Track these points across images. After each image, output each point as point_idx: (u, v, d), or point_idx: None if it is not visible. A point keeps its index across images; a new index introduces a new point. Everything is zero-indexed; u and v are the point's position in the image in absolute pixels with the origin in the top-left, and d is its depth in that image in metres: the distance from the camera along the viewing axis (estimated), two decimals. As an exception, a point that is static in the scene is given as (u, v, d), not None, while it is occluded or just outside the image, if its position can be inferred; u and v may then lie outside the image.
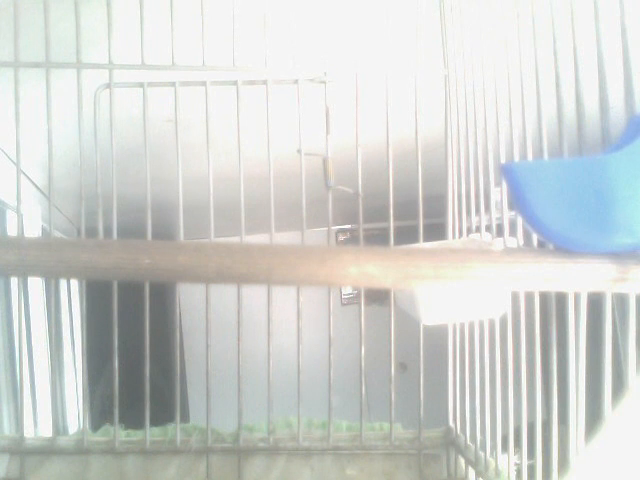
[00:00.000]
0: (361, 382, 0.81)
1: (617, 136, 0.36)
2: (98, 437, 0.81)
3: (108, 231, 0.74)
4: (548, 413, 0.52)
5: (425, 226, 0.76)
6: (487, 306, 0.56)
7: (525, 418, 0.57)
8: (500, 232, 0.59)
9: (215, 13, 0.74)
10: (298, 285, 0.65)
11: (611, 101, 0.41)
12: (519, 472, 0.59)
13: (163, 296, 2.45)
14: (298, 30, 0.83)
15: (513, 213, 0.52)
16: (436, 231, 0.76)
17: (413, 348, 0.79)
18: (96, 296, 0.88)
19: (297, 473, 0.80)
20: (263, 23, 0.73)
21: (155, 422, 0.80)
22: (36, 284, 1.59)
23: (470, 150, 0.69)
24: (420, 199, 0.77)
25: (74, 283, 2.05)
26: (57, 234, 1.83)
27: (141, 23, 0.70)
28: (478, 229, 0.68)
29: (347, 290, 3.16)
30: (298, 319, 0.78)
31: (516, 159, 0.56)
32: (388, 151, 0.77)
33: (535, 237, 0.48)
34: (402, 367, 2.08)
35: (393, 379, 0.78)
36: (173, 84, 0.76)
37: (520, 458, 0.59)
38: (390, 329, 0.78)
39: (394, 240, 0.75)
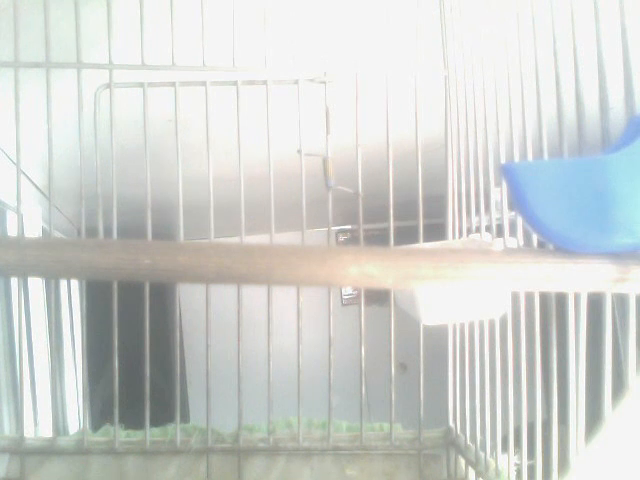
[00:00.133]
0: (361, 382, 0.81)
1: (617, 136, 0.36)
2: (98, 437, 0.81)
3: (108, 231, 0.74)
4: (548, 413, 0.52)
5: (425, 226, 0.76)
6: (487, 306, 0.56)
7: (525, 418, 0.57)
8: (500, 232, 0.59)
9: (215, 13, 0.74)
10: (298, 285, 0.65)
11: (611, 101, 0.41)
12: (519, 472, 0.59)
13: (163, 296, 2.46)
14: (298, 30, 0.83)
15: (513, 213, 0.52)
16: (436, 231, 0.76)
17: (413, 348, 0.79)
18: (96, 296, 0.88)
19: (297, 473, 0.80)
20: (263, 23, 0.73)
21: (155, 422, 0.80)
22: (36, 284, 1.59)
23: (470, 150, 0.69)
24: (420, 199, 0.77)
25: (74, 283, 2.05)
26: (57, 234, 1.83)
27: (141, 23, 0.70)
28: (478, 229, 0.68)
29: (347, 290, 3.16)
30: (298, 319, 0.78)
31: (516, 159, 0.56)
32: (388, 151, 0.77)
33: (535, 237, 0.48)
34: (402, 367, 2.08)
35: (393, 379, 0.78)
36: (173, 84, 0.76)
37: (520, 458, 0.59)
38: (390, 329, 0.78)
39: (394, 240, 0.75)
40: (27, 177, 1.33)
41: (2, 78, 0.73)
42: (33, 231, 1.54)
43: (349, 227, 3.15)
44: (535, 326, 0.53)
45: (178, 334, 0.91)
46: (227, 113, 0.76)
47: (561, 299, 0.48)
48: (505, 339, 0.60)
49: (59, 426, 1.84)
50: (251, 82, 0.77)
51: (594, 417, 0.43)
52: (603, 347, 0.44)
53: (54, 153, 0.73)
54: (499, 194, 0.59)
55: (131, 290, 0.59)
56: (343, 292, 3.16)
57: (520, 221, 0.52)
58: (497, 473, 0.66)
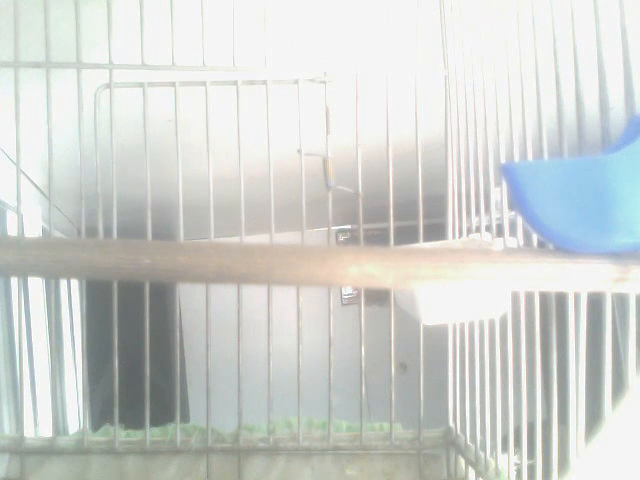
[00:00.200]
0: (361, 382, 0.81)
1: (617, 136, 0.36)
2: (98, 437, 0.81)
3: (108, 231, 0.74)
4: (548, 413, 0.52)
5: (425, 226, 0.76)
6: (487, 306, 0.56)
7: (525, 418, 0.57)
8: (500, 232, 0.59)
9: (215, 13, 0.74)
10: (298, 285, 0.65)
11: (611, 101, 0.41)
12: (519, 472, 0.59)
13: (163, 296, 2.45)
14: (298, 30, 0.83)
15: (513, 213, 0.52)
16: (436, 231, 0.76)
17: (413, 348, 0.79)
18: (96, 296, 0.88)
19: (297, 473, 0.80)
20: (263, 23, 0.73)
21: (155, 422, 0.80)
22: (36, 284, 1.59)
23: (470, 150, 0.69)
24: (420, 199, 0.77)
25: (74, 283, 2.05)
26: (57, 234, 1.83)
27: (141, 23, 0.70)
28: (478, 229, 0.68)
29: (347, 290, 3.16)
30: (298, 319, 0.78)
31: (516, 159, 0.56)
32: (388, 151, 0.77)
33: (535, 237, 0.48)
34: (402, 367, 2.08)
35: (393, 379, 0.78)
36: (173, 84, 0.76)
37: (520, 458, 0.59)
38: (390, 329, 0.78)
39: (394, 240, 0.75)
40: (27, 177, 1.33)
41: (2, 78, 0.73)
42: (33, 231, 1.54)
43: (349, 227, 3.15)
44: (535, 326, 0.53)
45: (178, 334, 0.91)
46: (227, 113, 0.76)
47: (561, 299, 0.48)
48: (505, 339, 0.60)
49: (59, 426, 1.84)
50: (251, 82, 0.77)
51: (594, 417, 0.43)
52: (603, 347, 0.44)
53: (54, 153, 0.73)
54: (499, 194, 0.59)
55: (131, 290, 0.59)
56: (343, 292, 3.16)
57: (520, 221, 0.52)
58: (497, 473, 0.66)
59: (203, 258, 0.34)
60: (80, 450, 0.79)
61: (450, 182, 0.76)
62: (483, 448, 0.68)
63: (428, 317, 0.56)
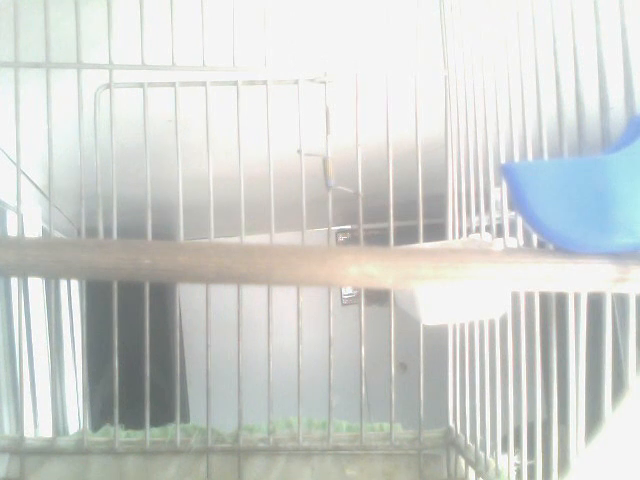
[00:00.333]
0: (361, 382, 0.81)
1: (617, 136, 0.36)
2: (98, 437, 0.81)
3: (108, 231, 0.74)
4: (548, 413, 0.52)
5: (425, 226, 0.76)
6: (487, 306, 0.56)
7: (525, 418, 0.57)
8: (500, 232, 0.59)
9: (215, 13, 0.74)
10: (298, 285, 0.65)
11: (611, 101, 0.41)
12: (519, 472, 0.59)
13: (163, 296, 2.45)
14: (298, 30, 0.83)
15: (513, 213, 0.52)
16: (436, 231, 0.76)
17: (413, 348, 0.79)
18: (96, 296, 0.88)
19: (297, 473, 0.80)
20: (263, 23, 0.73)
21: (155, 422, 0.80)
22: (36, 284, 1.59)
23: (470, 150, 0.69)
24: (420, 199, 0.77)
25: (74, 283, 2.05)
26: (57, 234, 1.83)
27: (141, 23, 0.70)
28: (478, 229, 0.68)
29: (347, 290, 3.16)
30: (298, 319, 0.78)
31: (516, 159, 0.56)
32: (388, 151, 0.77)
33: (535, 237, 0.48)
34: (402, 367, 2.08)
35: (393, 379, 0.78)
36: (173, 84, 0.76)
37: (520, 458, 0.59)
38: (390, 329, 0.78)
39: (394, 240, 0.75)
40: (27, 177, 1.33)
41: (2, 78, 0.73)
42: (33, 231, 1.54)
43: (349, 227, 3.15)
44: (535, 326, 0.53)
45: (178, 334, 0.91)
46: (227, 113, 0.76)
47: (561, 299, 0.48)
48: (505, 339, 0.60)
49: (59, 426, 1.84)
50: (251, 82, 0.77)
51: (594, 417, 0.43)
52: (603, 347, 0.44)
53: (54, 153, 0.73)
54: (499, 194, 0.59)
55: (131, 290, 0.59)
56: (343, 292, 3.16)
57: (520, 221, 0.52)
58: (497, 473, 0.66)
59: (203, 258, 0.34)
60: (80, 450, 0.79)
61: (450, 182, 0.76)
62: (483, 448, 0.68)
63: (428, 317, 0.56)
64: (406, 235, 0.75)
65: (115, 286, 0.76)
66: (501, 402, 0.63)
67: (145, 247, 0.34)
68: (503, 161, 0.59)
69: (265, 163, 0.77)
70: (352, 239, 3.15)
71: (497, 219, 0.62)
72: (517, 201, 0.35)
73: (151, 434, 0.80)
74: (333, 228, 0.82)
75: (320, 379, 0.93)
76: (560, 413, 0.50)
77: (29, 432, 1.42)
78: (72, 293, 2.08)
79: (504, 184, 0.52)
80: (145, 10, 0.70)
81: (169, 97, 0.76)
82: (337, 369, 0.79)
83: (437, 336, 0.77)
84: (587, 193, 0.33)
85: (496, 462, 0.66)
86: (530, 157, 0.53)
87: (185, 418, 1.17)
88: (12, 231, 1.45)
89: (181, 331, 2.70)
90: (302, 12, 0.80)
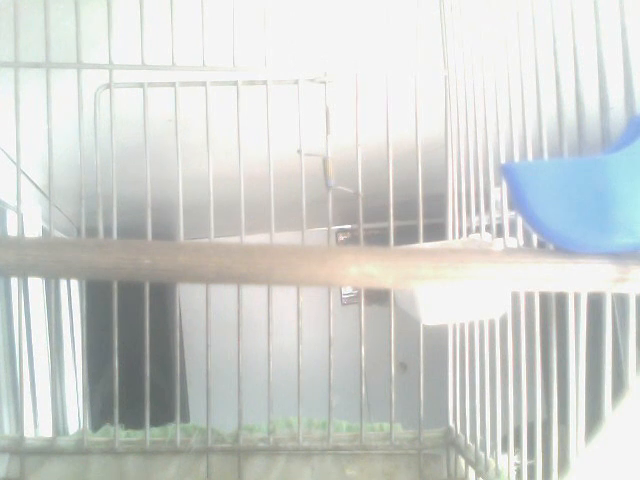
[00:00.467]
0: (361, 382, 0.81)
1: (617, 136, 0.36)
2: (98, 437, 0.81)
3: (108, 231, 0.74)
4: (548, 413, 0.52)
5: (425, 226, 0.76)
6: (487, 306, 0.56)
7: (525, 418, 0.57)
8: (500, 232, 0.59)
9: (215, 13, 0.74)
10: (298, 285, 0.65)
11: (611, 101, 0.41)
12: (519, 472, 0.59)
13: (163, 296, 2.46)
14: (298, 30, 0.83)
15: (513, 213, 0.52)
16: (436, 231, 0.76)
17: (413, 348, 0.79)
18: (96, 296, 0.88)
19: (297, 473, 0.80)
20: (263, 23, 0.73)
21: (155, 422, 0.80)
22: (36, 284, 1.59)
23: (470, 150, 0.69)
24: (420, 199, 0.77)
25: (74, 283, 2.05)
26: (57, 234, 1.83)
27: (141, 23, 0.70)
28: (478, 229, 0.68)
29: (347, 290, 3.16)
30: (298, 319, 0.78)
31: (516, 159, 0.56)
32: (388, 151, 0.77)
33: (535, 237, 0.48)
34: (402, 367, 2.08)
35: (393, 379, 0.78)
36: (173, 84, 0.76)
37: (520, 458, 0.59)
38: (390, 329, 0.78)
39: (394, 240, 0.75)
40: (27, 177, 1.33)
41: (2, 78, 0.73)
42: (33, 230, 1.54)
43: (349, 227, 3.15)
44: (535, 326, 0.53)
45: (178, 334, 0.91)
46: (227, 113, 0.76)
47: (561, 299, 0.48)
48: (505, 339, 0.60)
49: (59, 426, 1.84)
50: (251, 82, 0.77)
51: (594, 417, 0.43)
52: (603, 347, 0.44)
53: (54, 153, 0.73)
54: (499, 194, 0.59)
55: (131, 290, 0.59)
56: (343, 291, 3.16)
57: (520, 221, 0.52)
58: (497, 473, 0.66)
59: (203, 258, 0.34)
60: (80, 450, 0.79)
61: (450, 182, 0.76)
62: (483, 448, 0.68)
63: (428, 317, 0.56)
64: (406, 235, 0.75)
65: (115, 286, 0.76)
66: (501, 402, 0.63)
67: (145, 247, 0.34)
68: (503, 161, 0.59)
69: (265, 163, 0.76)
70: (352, 239, 3.15)
71: (497, 219, 0.62)
72: (517, 201, 0.35)
73: (151, 434, 0.80)
74: (333, 228, 0.82)
75: (320, 379, 0.93)
76: (560, 413, 0.50)
77: (29, 432, 1.42)
78: (72, 293, 2.08)
79: (504, 184, 0.52)
80: (145, 10, 0.70)
81: (169, 97, 0.76)
82: (337, 369, 0.79)
83: (437, 336, 0.77)
84: (587, 193, 0.33)
85: (496, 462, 0.66)
86: (530, 157, 0.53)
87: (185, 418, 1.17)
88: (12, 230, 1.45)
89: (181, 331, 2.70)
90: (302, 12, 0.80)
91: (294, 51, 0.84)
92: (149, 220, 0.75)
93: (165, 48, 0.71)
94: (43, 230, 1.60)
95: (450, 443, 0.79)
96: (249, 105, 0.77)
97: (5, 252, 0.33)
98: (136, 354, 0.88)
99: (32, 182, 1.38)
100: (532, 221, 0.34)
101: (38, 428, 1.48)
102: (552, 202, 0.34)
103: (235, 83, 0.76)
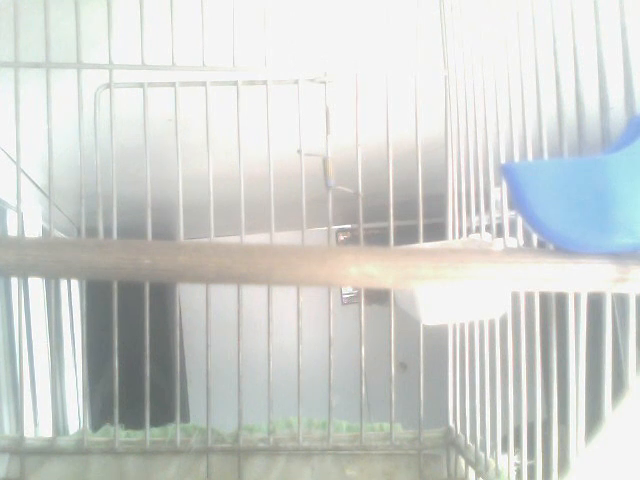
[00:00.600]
0: (361, 382, 0.81)
1: (617, 136, 0.36)
2: (98, 437, 0.81)
3: (108, 231, 0.74)
4: (548, 413, 0.52)
5: (425, 226, 0.76)
6: (487, 306, 0.56)
7: (525, 418, 0.57)
8: (500, 232, 0.59)
9: (215, 13, 0.74)
10: (298, 285, 0.65)
11: (611, 101, 0.41)
12: (519, 472, 0.59)
13: (163, 296, 2.46)
14: (298, 30, 0.83)
15: (513, 213, 0.52)
16: (436, 231, 0.76)
17: (413, 348, 0.79)
18: (96, 296, 0.88)
19: (297, 473, 0.80)
20: (263, 23, 0.73)
21: (155, 422, 0.80)
22: (36, 284, 1.59)
23: (470, 150, 0.69)
24: (420, 199, 0.77)
25: (74, 283, 2.05)
26: (57, 233, 1.83)
27: (141, 23, 0.70)
28: (478, 229, 0.68)
29: (347, 290, 3.16)
30: (298, 319, 0.78)
31: (516, 159, 0.56)
32: (388, 151, 0.77)
33: (535, 237, 0.48)
34: (402, 367, 2.08)
35: (393, 379, 0.78)
36: (173, 84, 0.76)
37: (520, 458, 0.59)
38: (390, 329, 0.78)
39: (394, 240, 0.75)
40: (27, 176, 1.33)
41: (2, 78, 0.73)
42: (33, 230, 1.54)
43: (349, 227, 3.15)
44: (535, 326, 0.53)
45: (178, 334, 0.91)
46: (227, 113, 0.76)
47: (561, 299, 0.48)
48: (505, 339, 0.60)
49: (59, 426, 1.84)
50: (251, 82, 0.77)
51: (594, 417, 0.43)
52: (603, 347, 0.44)
53: (54, 153, 0.73)
54: (499, 194, 0.59)
55: (131, 290, 0.59)
56: (343, 291, 3.16)
57: (520, 221, 0.52)
58: (497, 473, 0.66)
59: (203, 258, 0.34)
60: (80, 450, 0.79)
61: (450, 182, 0.76)
62: (483, 448, 0.68)
63: (428, 317, 0.56)
64: (406, 235, 0.75)
65: (115, 286, 0.76)
66: (501, 402, 0.63)
67: (145, 247, 0.34)
68: (503, 161, 0.59)
69: (265, 163, 0.77)
70: (352, 238, 3.15)
71: (497, 219, 0.62)
72: (517, 201, 0.35)
73: (151, 434, 0.80)
74: (333, 228, 0.82)
75: (320, 379, 0.93)
76: (560, 413, 0.50)
77: (29, 432, 1.42)
78: (72, 293, 2.08)
79: (504, 184, 0.52)
80: (145, 10, 0.70)
81: (169, 97, 0.76)
82: (337, 369, 0.79)
83: (437, 336, 0.77)
84: (587, 193, 0.33)
85: (496, 462, 0.66)
86: (530, 157, 0.53)
87: (185, 418, 1.17)
88: (12, 230, 1.45)
89: (181, 331, 2.70)
90: (302, 12, 0.80)
91: (294, 51, 0.84)
92: (149, 220, 0.75)
93: (165, 48, 0.71)
94: (43, 230, 1.60)
95: (450, 443, 0.79)
96: (249, 105, 0.77)
97: (5, 252, 0.33)
98: (136, 354, 0.88)
99: (32, 182, 1.38)
100: (532, 221, 0.34)
101: (38, 427, 1.48)
102: (552, 202, 0.34)
103: (235, 83, 0.76)
